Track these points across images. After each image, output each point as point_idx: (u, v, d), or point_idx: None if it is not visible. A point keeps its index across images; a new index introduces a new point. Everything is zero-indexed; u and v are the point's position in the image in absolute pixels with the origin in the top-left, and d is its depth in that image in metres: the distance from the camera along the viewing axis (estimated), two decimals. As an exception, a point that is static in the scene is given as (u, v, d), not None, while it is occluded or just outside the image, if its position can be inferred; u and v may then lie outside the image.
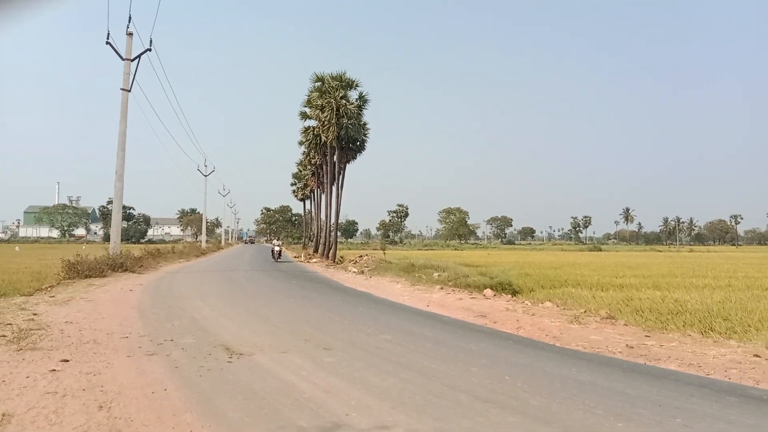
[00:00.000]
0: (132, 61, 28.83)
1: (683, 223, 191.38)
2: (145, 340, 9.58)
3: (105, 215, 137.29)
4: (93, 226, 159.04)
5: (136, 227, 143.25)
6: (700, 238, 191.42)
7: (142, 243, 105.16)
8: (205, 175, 70.86)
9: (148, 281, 21.99)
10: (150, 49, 29.32)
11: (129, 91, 28.64)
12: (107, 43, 27.36)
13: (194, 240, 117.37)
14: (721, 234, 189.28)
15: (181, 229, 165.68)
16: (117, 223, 29.01)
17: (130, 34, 28.78)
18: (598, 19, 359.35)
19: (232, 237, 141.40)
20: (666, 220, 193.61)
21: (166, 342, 9.39)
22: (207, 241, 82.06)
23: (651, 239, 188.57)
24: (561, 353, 9.50)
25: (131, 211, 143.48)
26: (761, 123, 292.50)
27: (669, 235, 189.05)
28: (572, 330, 11.79)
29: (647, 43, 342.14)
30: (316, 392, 6.42)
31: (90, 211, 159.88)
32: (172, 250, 45.20)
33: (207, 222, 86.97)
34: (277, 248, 42.29)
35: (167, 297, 16.47)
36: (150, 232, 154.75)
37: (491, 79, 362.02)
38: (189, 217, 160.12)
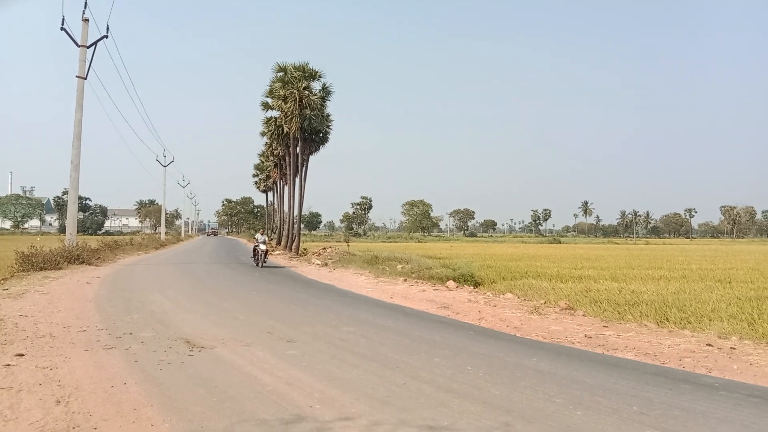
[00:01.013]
0: (88, 48, 28.03)
1: (640, 216, 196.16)
2: (104, 333, 9.39)
3: (60, 206, 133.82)
4: (48, 218, 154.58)
5: (93, 218, 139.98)
6: (656, 231, 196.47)
7: (99, 235, 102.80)
8: (164, 166, 69.48)
9: (105, 274, 21.51)
10: (107, 36, 28.55)
11: (85, 78, 27.86)
12: (62, 29, 26.55)
13: (153, 232, 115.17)
14: (676, 227, 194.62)
15: (140, 221, 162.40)
16: (73, 215, 28.25)
17: (86, 20, 27.98)
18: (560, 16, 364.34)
19: (192, 229, 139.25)
20: (623, 214, 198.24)
21: (125, 335, 9.22)
22: (166, 233, 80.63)
23: (609, 232, 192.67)
24: (522, 343, 9.66)
25: (87, 201, 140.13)
26: (715, 121, 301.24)
27: (626, 228, 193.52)
28: (532, 320, 11.99)
29: (607, 35, 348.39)
30: (279, 385, 6.39)
31: (44, 202, 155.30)
32: (131, 242, 44.24)
33: (166, 213, 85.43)
34: (262, 246, 27.94)
35: (126, 290, 16.15)
36: (107, 223, 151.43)
37: (454, 71, 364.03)
38: (148, 209, 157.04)
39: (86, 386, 6.25)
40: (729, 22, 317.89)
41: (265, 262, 28.06)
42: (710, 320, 11.32)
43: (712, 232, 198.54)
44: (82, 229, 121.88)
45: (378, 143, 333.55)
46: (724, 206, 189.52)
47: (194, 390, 6.17)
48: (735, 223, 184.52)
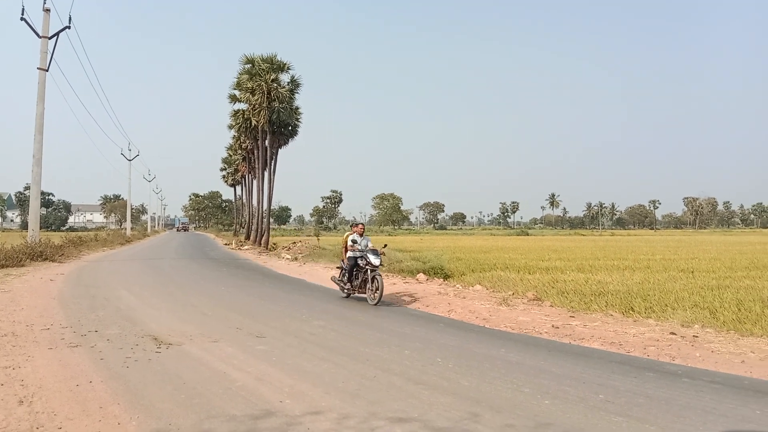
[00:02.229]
0: (50, 39, 27.32)
1: (605, 208, 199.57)
2: (68, 331, 9.19)
3: (22, 202, 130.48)
4: (9, 213, 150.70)
5: (56, 214, 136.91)
6: (621, 223, 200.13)
7: (62, 231, 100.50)
8: (129, 160, 68.24)
9: (69, 270, 21.07)
10: (69, 27, 27.88)
11: (46, 70, 27.16)
12: (22, 18, 25.83)
13: (118, 227, 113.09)
14: (641, 218, 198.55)
15: (105, 216, 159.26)
16: (35, 210, 27.57)
17: (47, 10, 27.27)
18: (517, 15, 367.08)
19: (158, 224, 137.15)
20: (589, 205, 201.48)
21: (90, 333, 9.04)
22: (132, 229, 79.21)
23: (575, 224, 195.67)
24: (490, 335, 9.76)
25: (50, 197, 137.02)
26: (678, 116, 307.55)
27: (592, 219, 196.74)
28: (501, 312, 12.13)
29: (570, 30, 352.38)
30: (248, 380, 6.34)
31: (6, 198, 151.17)
32: (95, 238, 43.39)
33: (132, 208, 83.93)
34: (373, 259, 13.58)
35: (90, 287, 15.84)
36: (71, 219, 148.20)
37: (424, 67, 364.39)
38: (113, 204, 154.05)
39: (50, 385, 6.12)
40: (696, 20, 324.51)
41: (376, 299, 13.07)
42: (674, 309, 11.58)
43: (675, 223, 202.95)
44: (45, 225, 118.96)
45: (349, 135, 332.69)
46: (687, 198, 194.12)
47: (162, 387, 6.09)
48: (697, 214, 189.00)
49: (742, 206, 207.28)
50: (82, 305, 12.20)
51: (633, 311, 11.74)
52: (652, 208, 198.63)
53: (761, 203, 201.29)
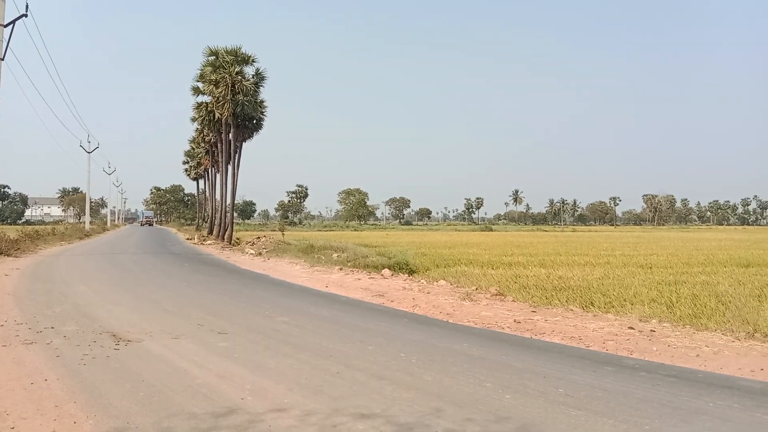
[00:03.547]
0: (5, 27, 26.43)
1: (567, 204, 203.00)
2: (23, 328, 8.95)
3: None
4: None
5: (12, 207, 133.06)
6: (582, 219, 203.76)
7: (19, 224, 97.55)
8: (89, 152, 66.52)
9: (25, 265, 20.51)
10: (26, 15, 27.00)
11: (2, 59, 26.29)
12: (-26, 5, 24.89)
13: (77, 221, 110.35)
14: (602, 215, 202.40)
15: (63, 210, 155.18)
16: (-12, 204, 26.70)
17: (2, -3, 26.33)
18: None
19: (119, 218, 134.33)
20: (552, 202, 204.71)
21: (47, 330, 8.82)
22: (91, 223, 77.40)
23: (538, 220, 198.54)
24: (454, 329, 9.84)
25: (6, 189, 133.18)
26: (637, 114, 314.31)
27: (554, 215, 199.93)
28: (464, 307, 12.23)
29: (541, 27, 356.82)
30: (209, 378, 6.26)
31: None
32: (53, 232, 42.29)
33: (91, 202, 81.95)
34: None
35: (47, 282, 15.45)
36: (28, 212, 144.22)
37: (387, 61, 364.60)
38: (71, 197, 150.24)
39: (3, 384, 5.95)
40: (664, 20, 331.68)
41: None
42: (632, 304, 11.84)
43: (635, 219, 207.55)
44: (0, 218, 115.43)
45: (315, 130, 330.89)
46: (647, 195, 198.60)
47: (120, 385, 5.97)
48: (656, 211, 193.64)
49: (699, 204, 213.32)
50: (38, 301, 11.89)
51: (593, 306, 11.96)
52: (612, 205, 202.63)
53: (717, 201, 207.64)
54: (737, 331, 9.16)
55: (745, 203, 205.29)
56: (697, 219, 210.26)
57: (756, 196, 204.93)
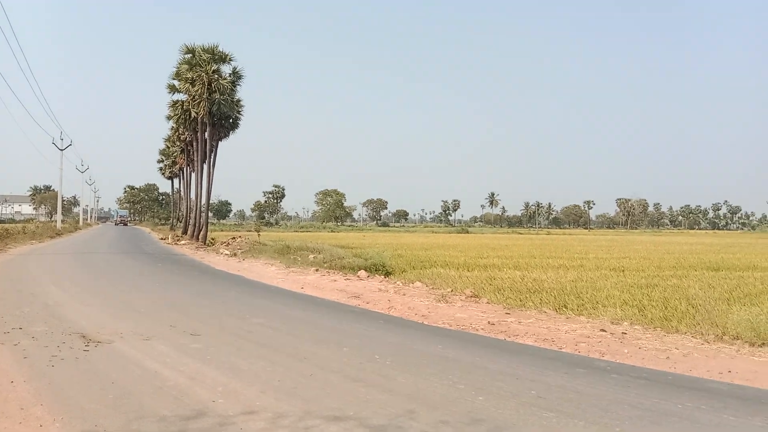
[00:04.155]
0: (-27, 20, 25.88)
1: (542, 207, 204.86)
2: (-11, 329, 8.74)
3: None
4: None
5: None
6: (557, 222, 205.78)
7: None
8: (61, 149, 65.34)
9: (-7, 265, 20.06)
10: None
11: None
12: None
13: (49, 220, 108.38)
14: (576, 218, 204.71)
15: (34, 208, 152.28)
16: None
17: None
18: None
19: (91, 217, 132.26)
20: (527, 205, 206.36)
21: (14, 330, 8.63)
22: (63, 221, 76.02)
23: (513, 222, 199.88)
24: (429, 331, 9.86)
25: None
26: (611, 120, 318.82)
27: (530, 218, 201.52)
28: (440, 308, 12.26)
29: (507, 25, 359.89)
30: (180, 379, 6.18)
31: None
32: (23, 231, 41.44)
33: (63, 200, 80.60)
34: None
35: (16, 281, 15.13)
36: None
37: (367, 61, 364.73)
38: (43, 195, 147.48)
39: (-34, 386, 5.80)
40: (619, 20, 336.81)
41: None
42: (604, 307, 11.99)
43: (608, 223, 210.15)
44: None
45: (293, 131, 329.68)
46: (620, 199, 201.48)
47: (89, 387, 5.87)
48: (629, 214, 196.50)
49: (671, 208, 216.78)
50: (6, 301, 11.64)
51: (566, 308, 12.08)
52: (586, 209, 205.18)
53: (689, 205, 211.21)
54: (707, 333, 9.32)
55: (716, 208, 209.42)
56: (669, 223, 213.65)
57: (726, 201, 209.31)
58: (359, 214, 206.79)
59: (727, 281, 16.86)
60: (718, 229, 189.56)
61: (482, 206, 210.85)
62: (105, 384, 5.97)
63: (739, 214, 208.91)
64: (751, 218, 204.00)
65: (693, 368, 7.43)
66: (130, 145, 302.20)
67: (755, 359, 7.93)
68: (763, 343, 8.58)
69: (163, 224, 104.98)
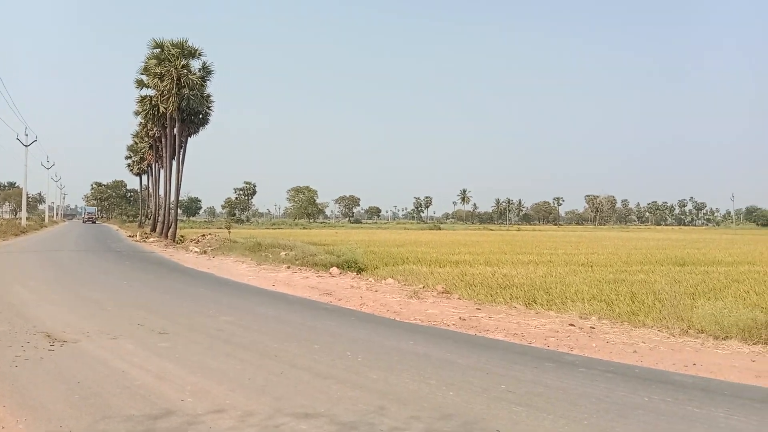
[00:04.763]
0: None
1: (513, 204, 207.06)
2: (-52, 329, 8.50)
3: None
4: None
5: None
6: (527, 218, 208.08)
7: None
8: (26, 145, 63.88)
9: (-47, 263, 19.52)
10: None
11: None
12: None
13: (13, 217, 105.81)
14: (546, 214, 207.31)
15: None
16: None
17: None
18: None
19: (57, 214, 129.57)
20: (498, 201, 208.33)
21: (-25, 331, 8.41)
22: (28, 219, 74.33)
23: (484, 219, 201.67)
24: (400, 327, 9.87)
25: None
26: (579, 118, 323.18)
27: (500, 215, 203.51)
28: (411, 305, 12.29)
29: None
30: (148, 379, 6.09)
31: None
32: (-14, 229, 40.42)
33: (28, 197, 78.74)
34: None
35: (-23, 281, 14.74)
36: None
37: (343, 57, 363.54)
38: (7, 192, 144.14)
39: (-76, 389, 5.63)
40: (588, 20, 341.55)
41: None
42: (573, 302, 12.13)
43: (577, 219, 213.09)
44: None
45: (264, 128, 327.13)
46: (589, 195, 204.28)
47: (54, 387, 5.75)
48: (598, 211, 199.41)
49: (638, 204, 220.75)
50: (-34, 301, 11.33)
51: (535, 303, 12.20)
52: (556, 205, 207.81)
53: (656, 202, 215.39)
54: (672, 327, 9.51)
55: (682, 204, 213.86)
56: (636, 219, 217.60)
57: (692, 197, 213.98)
58: (332, 211, 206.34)
59: (693, 276, 17.21)
60: (684, 225, 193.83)
61: (454, 203, 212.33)
62: (70, 384, 5.85)
63: (704, 211, 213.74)
64: (715, 214, 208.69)
65: (659, 361, 7.57)
66: (97, 141, 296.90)
67: (719, 352, 8.12)
68: (727, 337, 8.79)
69: (131, 221, 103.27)
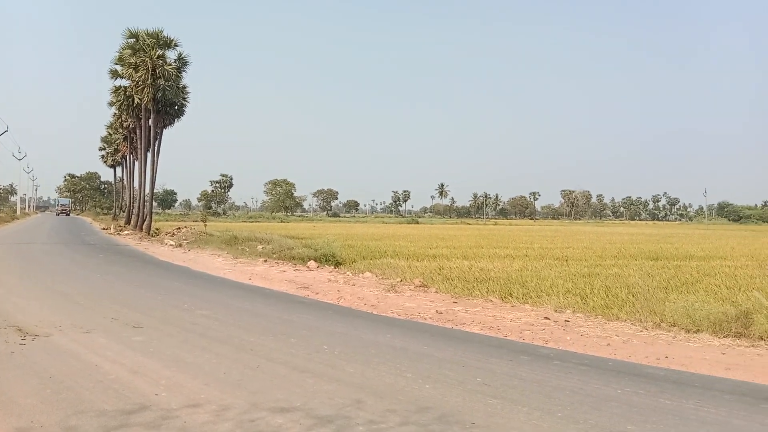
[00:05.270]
0: None
1: (490, 198, 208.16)
2: None
3: None
4: None
5: None
6: (504, 213, 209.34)
7: None
8: (-4, 136, 62.57)
9: None
10: None
11: None
12: None
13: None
14: (522, 209, 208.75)
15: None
16: None
17: None
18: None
19: (29, 206, 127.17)
20: (475, 196, 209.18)
21: (-57, 325, 8.22)
22: (-1, 211, 72.93)
23: (462, 213, 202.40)
24: (378, 321, 9.89)
25: None
26: (558, 114, 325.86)
27: (478, 209, 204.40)
28: (389, 298, 12.32)
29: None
30: (122, 373, 6.02)
31: None
32: (-46, 221, 39.55)
33: (-1, 189, 77.10)
34: None
35: (-55, 274, 14.42)
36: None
37: (322, 49, 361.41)
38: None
39: None
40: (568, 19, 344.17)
41: None
42: (548, 295, 12.26)
43: (553, 213, 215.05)
44: None
45: (242, 120, 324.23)
46: (564, 190, 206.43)
47: (25, 381, 5.65)
48: (573, 205, 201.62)
49: (613, 199, 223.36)
50: (-67, 294, 11.08)
51: (511, 297, 12.31)
52: (532, 200, 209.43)
53: (630, 197, 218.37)
54: (645, 321, 9.66)
55: (656, 200, 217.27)
56: (611, 214, 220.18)
57: (666, 193, 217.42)
58: (309, 205, 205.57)
59: (666, 270, 17.48)
60: (658, 220, 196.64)
61: (432, 197, 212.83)
62: (42, 378, 5.76)
63: (677, 206, 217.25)
64: (688, 209, 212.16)
65: (632, 354, 7.68)
66: (71, 132, 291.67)
67: (690, 345, 8.27)
68: (698, 330, 8.95)
69: (105, 214, 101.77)
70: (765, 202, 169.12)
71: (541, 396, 5.56)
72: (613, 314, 10.32)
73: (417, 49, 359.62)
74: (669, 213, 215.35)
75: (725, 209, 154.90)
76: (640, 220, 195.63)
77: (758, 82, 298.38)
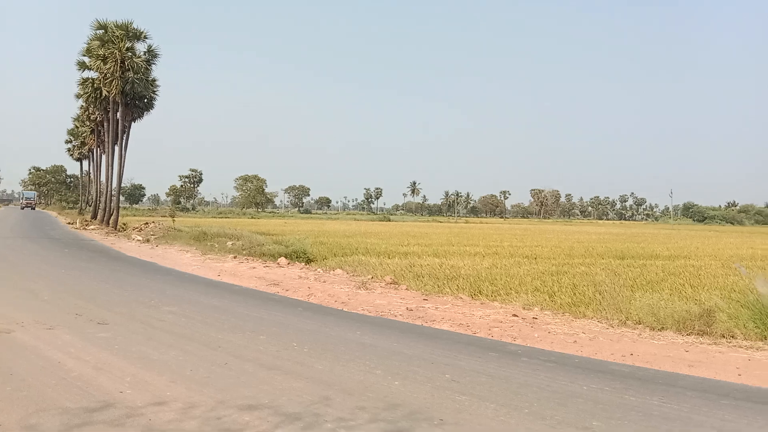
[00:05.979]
0: None
1: (461, 197, 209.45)
2: None
3: None
4: None
5: None
6: (474, 211, 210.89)
7: None
8: (-43, 127, 60.79)
9: None
10: None
11: None
12: None
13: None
14: (492, 207, 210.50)
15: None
16: None
17: None
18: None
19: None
20: (447, 194, 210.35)
21: None
22: (-41, 204, 70.82)
23: (433, 211, 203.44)
24: (348, 318, 9.86)
25: None
26: (527, 114, 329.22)
27: (449, 207, 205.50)
28: (359, 295, 12.30)
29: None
30: (85, 370, 5.89)
31: None
32: None
33: (-41, 181, 74.92)
34: None
35: None
36: None
37: (303, 41, 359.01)
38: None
39: None
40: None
41: None
42: (517, 293, 12.37)
43: (523, 212, 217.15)
44: None
45: (213, 114, 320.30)
46: (534, 189, 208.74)
47: (-17, 380, 5.49)
48: (542, 204, 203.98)
49: (581, 199, 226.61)
50: None
51: (481, 294, 12.39)
52: (502, 198, 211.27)
53: (598, 197, 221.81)
54: (611, 318, 9.81)
55: (623, 199, 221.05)
56: (579, 213, 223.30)
57: (632, 193, 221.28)
58: (281, 201, 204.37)
59: (632, 269, 17.78)
60: (625, 219, 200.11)
61: (404, 195, 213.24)
62: (2, 375, 5.62)
63: (644, 206, 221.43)
64: (654, 210, 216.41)
65: (598, 351, 7.80)
66: (36, 124, 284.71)
67: (655, 342, 8.43)
68: (662, 328, 9.13)
69: (71, 208, 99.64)
70: (728, 204, 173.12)
71: (509, 392, 5.61)
72: (580, 312, 10.46)
73: (384, 44, 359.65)
74: (636, 213, 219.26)
75: (690, 210, 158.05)
76: (608, 219, 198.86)
77: (725, 83, 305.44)
